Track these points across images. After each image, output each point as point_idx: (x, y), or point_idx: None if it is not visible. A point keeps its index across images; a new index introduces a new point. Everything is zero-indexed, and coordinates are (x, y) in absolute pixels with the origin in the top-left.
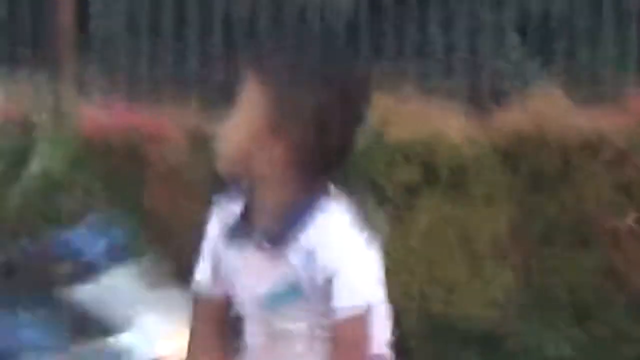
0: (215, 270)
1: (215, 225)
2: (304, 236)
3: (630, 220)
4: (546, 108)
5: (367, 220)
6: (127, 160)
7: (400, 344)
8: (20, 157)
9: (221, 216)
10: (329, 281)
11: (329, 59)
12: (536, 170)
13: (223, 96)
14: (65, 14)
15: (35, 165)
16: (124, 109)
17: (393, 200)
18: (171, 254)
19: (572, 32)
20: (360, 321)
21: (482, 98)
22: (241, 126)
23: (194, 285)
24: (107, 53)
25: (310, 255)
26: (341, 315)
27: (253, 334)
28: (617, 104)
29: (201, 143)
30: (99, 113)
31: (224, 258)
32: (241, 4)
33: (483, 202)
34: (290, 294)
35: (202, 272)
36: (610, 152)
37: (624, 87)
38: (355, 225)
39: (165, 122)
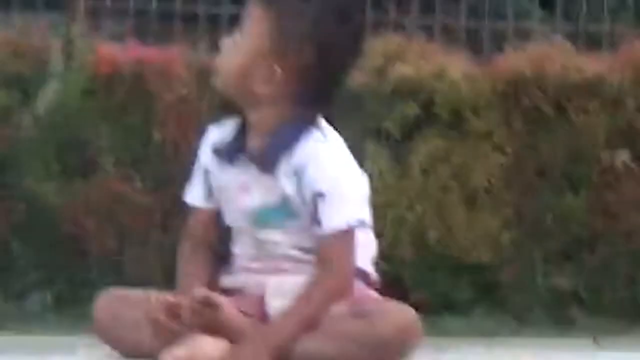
0: (206, 185)
1: (207, 146)
2: (293, 157)
3: (624, 158)
4: (546, 51)
5: (363, 153)
6: (136, 93)
7: (395, 272)
8: (32, 89)
9: (213, 138)
10: (315, 199)
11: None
12: (533, 109)
13: (232, 34)
14: None
15: (46, 96)
16: (134, 44)
17: (393, 135)
18: (178, 179)
19: None
20: (343, 239)
21: (483, 40)
22: (243, 45)
23: (186, 198)
24: None
25: (297, 175)
26: (326, 232)
27: (242, 245)
28: (615, 52)
29: (208, 77)
30: (110, 48)
31: (216, 175)
32: None
33: (480, 139)
34: (280, 212)
35: (194, 187)
36: (607, 93)
37: (622, 36)
38: (342, 151)
39: (174, 56)
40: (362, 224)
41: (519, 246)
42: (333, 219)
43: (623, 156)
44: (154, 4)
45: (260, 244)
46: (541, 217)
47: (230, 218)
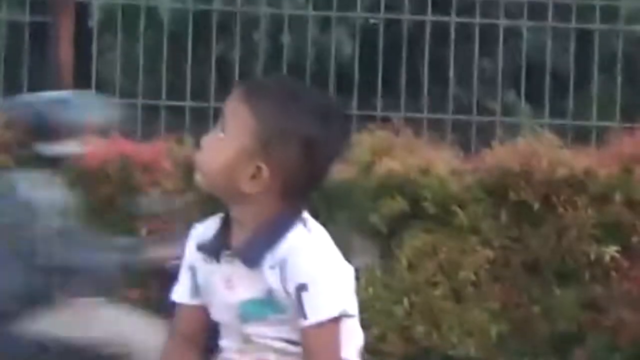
0: (192, 282)
1: (193, 243)
2: (276, 250)
3: (612, 252)
4: (533, 145)
5: (350, 247)
6: (122, 187)
7: None
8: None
9: (197, 235)
10: (299, 292)
11: (320, 97)
12: (521, 203)
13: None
14: (65, 52)
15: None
16: (120, 138)
17: (380, 230)
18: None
19: (561, 79)
20: (329, 330)
21: (470, 135)
22: (227, 143)
23: (173, 296)
24: (104, 88)
25: (280, 268)
26: (311, 323)
27: (228, 338)
28: (603, 147)
29: (194, 171)
30: (96, 142)
31: (201, 271)
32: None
33: (467, 233)
34: (264, 305)
35: (180, 285)
36: (594, 188)
37: (609, 132)
38: (325, 243)
39: (160, 151)
40: (347, 314)
41: (507, 340)
42: (317, 310)
43: (611, 250)
44: (140, 99)
45: (246, 338)
46: (529, 311)
47: (215, 312)
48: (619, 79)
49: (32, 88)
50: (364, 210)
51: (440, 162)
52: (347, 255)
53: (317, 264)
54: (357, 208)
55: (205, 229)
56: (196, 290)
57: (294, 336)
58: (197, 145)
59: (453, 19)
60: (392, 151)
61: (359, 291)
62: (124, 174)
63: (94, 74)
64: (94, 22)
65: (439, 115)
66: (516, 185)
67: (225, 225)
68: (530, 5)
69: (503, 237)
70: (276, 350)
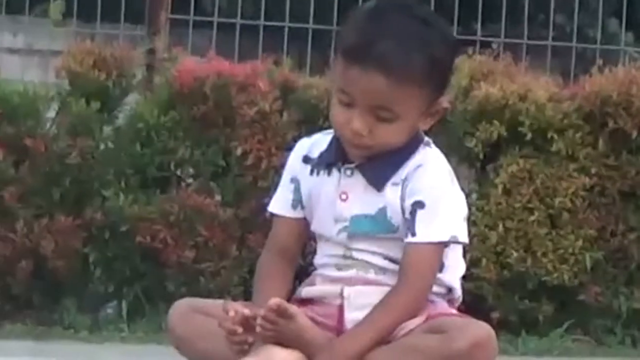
0: (295, 195)
1: (298, 155)
2: (402, 168)
3: None
4: (632, 73)
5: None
6: (218, 107)
7: (477, 291)
8: (113, 100)
9: (304, 147)
10: (414, 208)
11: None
12: (619, 131)
13: (316, 50)
14: None
15: (126, 108)
16: (217, 58)
17: (476, 155)
18: (257, 195)
19: None
20: (433, 253)
21: (570, 61)
22: (404, 125)
23: (271, 208)
24: (202, 6)
25: (403, 185)
26: (417, 242)
27: (327, 254)
28: None
29: (290, 92)
30: (192, 61)
31: (306, 183)
32: None
33: (564, 160)
34: (375, 222)
35: (280, 197)
36: None
37: None
38: (446, 165)
39: (257, 71)
40: (457, 240)
41: (601, 267)
42: (428, 231)
43: None
44: (238, 18)
45: (346, 253)
46: (625, 239)
47: (321, 226)
48: None
49: (131, 3)
50: (461, 135)
51: (538, 88)
52: None
53: (437, 184)
54: (454, 132)
55: (313, 143)
56: (298, 203)
57: (398, 254)
58: (295, 67)
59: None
60: (491, 76)
61: None
62: (221, 93)
63: None
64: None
65: (538, 42)
66: (614, 113)
67: (339, 141)
68: None
69: (600, 165)
70: (375, 267)
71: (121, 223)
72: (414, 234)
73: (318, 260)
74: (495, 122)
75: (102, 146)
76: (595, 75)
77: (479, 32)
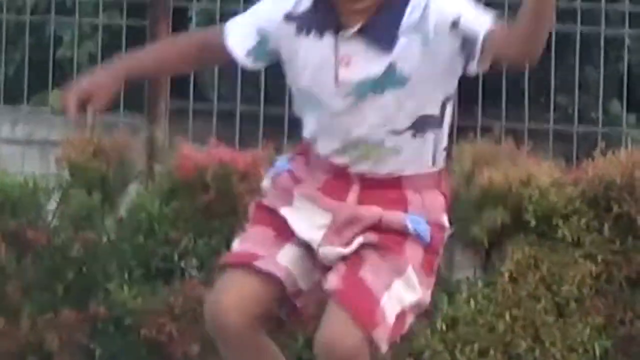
0: (257, 47)
1: (279, 8)
2: (405, 20)
3: None
4: (636, 156)
5: (452, 259)
6: (219, 195)
7: None
8: (114, 191)
9: (286, 4)
10: (455, 26)
11: None
12: (624, 216)
13: None
14: None
15: (128, 198)
16: (218, 146)
17: (481, 242)
18: None
19: None
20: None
21: (572, 145)
22: None
23: (229, 42)
24: (202, 94)
25: (420, 28)
26: (487, 31)
27: (327, 139)
28: None
29: None
30: (193, 150)
31: (288, 43)
32: None
33: (570, 246)
34: (384, 82)
35: (239, 36)
36: None
37: None
38: None
39: (259, 159)
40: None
41: (610, 356)
42: (482, 21)
43: None
44: (239, 106)
45: (346, 137)
46: (634, 327)
47: (320, 89)
48: None
49: (130, 93)
50: (466, 222)
51: (541, 173)
52: (449, 268)
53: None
54: (459, 219)
55: (297, 2)
56: (254, 55)
57: (402, 123)
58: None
59: (554, 27)
60: (494, 161)
61: (460, 305)
62: (222, 182)
63: (192, 80)
64: (192, 27)
65: (540, 126)
66: (619, 197)
67: (326, 2)
68: (632, 13)
69: (606, 251)
70: (375, 147)
71: (125, 316)
72: (481, 25)
73: (318, 146)
74: (499, 208)
75: (104, 238)
76: (598, 158)
77: (479, 117)
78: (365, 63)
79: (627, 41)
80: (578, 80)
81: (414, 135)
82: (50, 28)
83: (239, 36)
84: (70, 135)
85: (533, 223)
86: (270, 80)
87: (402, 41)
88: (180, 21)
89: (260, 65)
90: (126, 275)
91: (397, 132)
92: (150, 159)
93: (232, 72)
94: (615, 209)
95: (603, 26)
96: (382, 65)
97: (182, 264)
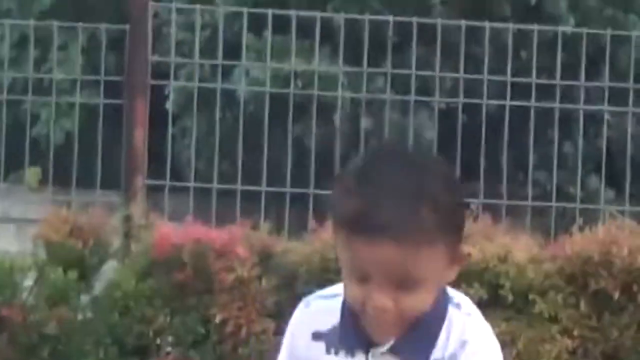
0: None
1: (304, 330)
2: (439, 343)
3: None
4: (613, 233)
5: None
6: (195, 273)
7: None
8: (90, 269)
9: (310, 320)
10: None
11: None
12: (601, 293)
13: (294, 214)
14: (139, 135)
15: (104, 276)
16: (194, 224)
17: None
18: None
19: None
20: None
21: (550, 221)
22: (431, 289)
23: None
24: (179, 171)
25: (455, 357)
26: None
27: None
28: None
29: (268, 258)
30: (169, 227)
31: None
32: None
33: (547, 323)
34: None
35: None
36: None
37: None
38: (494, 344)
39: (235, 236)
40: None
41: None
42: None
43: None
44: (215, 183)
45: None
46: None
47: None
48: None
49: (107, 171)
50: None
51: (519, 249)
52: None
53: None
54: None
55: (319, 314)
56: None
57: None
58: (273, 231)
59: (533, 104)
60: (471, 238)
61: None
62: (199, 260)
63: (169, 158)
64: (170, 105)
65: (518, 202)
66: (596, 273)
67: (355, 316)
68: (611, 89)
69: (583, 327)
70: None
71: None
72: None
73: None
74: (476, 284)
75: (80, 316)
76: (576, 234)
77: None
78: None
79: (606, 117)
80: (557, 156)
81: None
82: (27, 106)
83: None
84: (47, 213)
85: (510, 299)
86: (247, 157)
87: None
88: (157, 99)
89: None
90: (102, 353)
91: None
92: (127, 237)
93: (208, 149)
94: (593, 284)
95: (582, 103)
96: None
97: (158, 341)
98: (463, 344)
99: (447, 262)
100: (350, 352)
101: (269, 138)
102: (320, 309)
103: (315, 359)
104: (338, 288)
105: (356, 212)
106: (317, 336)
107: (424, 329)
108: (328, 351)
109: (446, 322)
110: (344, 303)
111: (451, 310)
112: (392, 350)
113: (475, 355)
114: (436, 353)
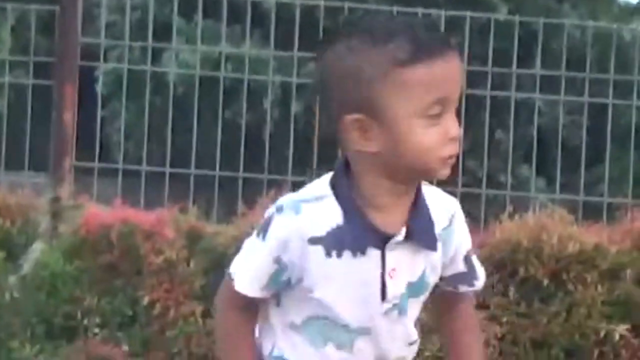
0: (274, 277)
1: (299, 235)
2: (435, 220)
3: (621, 331)
4: (544, 221)
5: None
6: (123, 254)
7: None
8: (18, 249)
9: (304, 225)
10: (469, 256)
11: None
12: (530, 279)
13: (223, 198)
14: (68, 117)
15: (32, 257)
16: (123, 206)
17: None
18: (165, 345)
19: (574, 153)
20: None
21: (480, 208)
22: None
23: (240, 287)
24: (108, 153)
25: (445, 240)
26: (479, 287)
27: (362, 347)
28: (614, 223)
29: (197, 240)
30: (98, 209)
31: (316, 267)
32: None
33: (476, 308)
34: (420, 287)
35: (254, 279)
36: (605, 265)
37: (621, 208)
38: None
39: (163, 219)
40: None
41: None
42: (482, 274)
43: (621, 329)
44: (144, 165)
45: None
46: None
47: (359, 310)
48: (632, 155)
49: (35, 152)
50: None
51: None
52: None
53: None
54: None
55: (313, 217)
56: (273, 284)
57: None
58: (202, 215)
59: (464, 90)
60: None
61: None
62: (127, 241)
63: (98, 140)
64: (99, 87)
65: (449, 188)
66: (525, 260)
67: (362, 213)
68: (543, 77)
69: (512, 313)
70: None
71: None
72: (477, 279)
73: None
74: None
75: (7, 295)
76: (506, 221)
77: None
78: (408, 269)
79: (537, 105)
80: (488, 144)
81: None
82: None
83: (252, 285)
84: None
85: None
86: (177, 140)
87: (439, 245)
88: (87, 81)
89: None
90: (28, 333)
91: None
92: (55, 218)
93: (138, 132)
94: (522, 271)
95: (514, 90)
96: (419, 270)
97: (85, 322)
98: (452, 217)
99: None
100: (361, 250)
101: (199, 121)
102: (314, 212)
103: (308, 262)
104: (315, 190)
105: (414, 41)
106: (313, 241)
107: (423, 207)
108: (328, 254)
109: (433, 200)
110: (345, 201)
111: (432, 191)
112: (408, 237)
113: (461, 220)
114: (436, 229)
